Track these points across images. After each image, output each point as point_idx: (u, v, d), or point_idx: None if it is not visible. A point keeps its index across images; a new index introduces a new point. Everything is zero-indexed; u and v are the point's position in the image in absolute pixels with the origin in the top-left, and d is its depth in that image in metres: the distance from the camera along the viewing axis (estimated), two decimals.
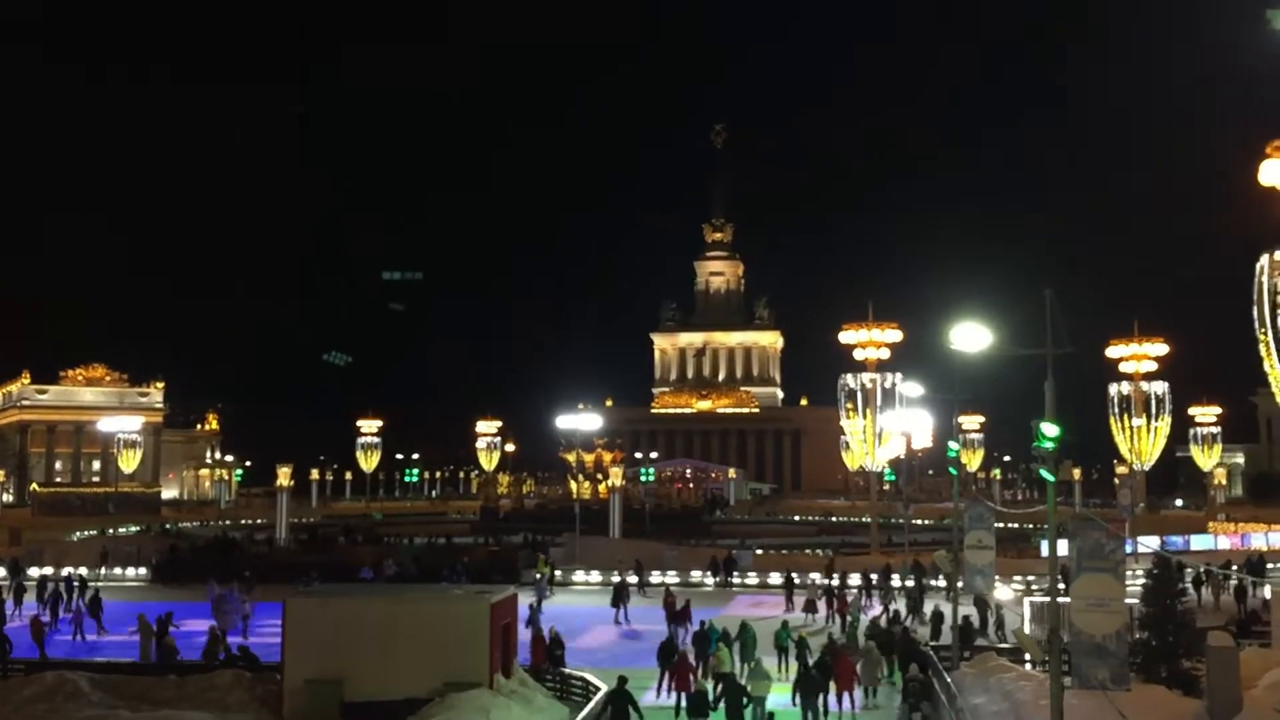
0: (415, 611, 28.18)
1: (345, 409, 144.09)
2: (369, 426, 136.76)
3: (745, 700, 26.56)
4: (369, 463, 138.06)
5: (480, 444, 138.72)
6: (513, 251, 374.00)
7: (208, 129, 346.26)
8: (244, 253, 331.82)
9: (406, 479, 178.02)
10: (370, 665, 26.33)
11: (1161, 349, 79.50)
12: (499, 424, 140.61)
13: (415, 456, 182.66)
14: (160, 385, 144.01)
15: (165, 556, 65.11)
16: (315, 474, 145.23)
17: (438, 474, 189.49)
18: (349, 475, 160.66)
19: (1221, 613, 43.44)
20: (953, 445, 49.04)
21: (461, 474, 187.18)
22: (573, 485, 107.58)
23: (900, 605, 47.07)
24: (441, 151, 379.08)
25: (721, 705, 26.45)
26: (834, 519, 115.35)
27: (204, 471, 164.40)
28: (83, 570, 57.58)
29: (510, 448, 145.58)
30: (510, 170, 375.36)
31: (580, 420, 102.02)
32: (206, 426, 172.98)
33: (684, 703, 28.21)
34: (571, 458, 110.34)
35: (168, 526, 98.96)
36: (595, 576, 59.05)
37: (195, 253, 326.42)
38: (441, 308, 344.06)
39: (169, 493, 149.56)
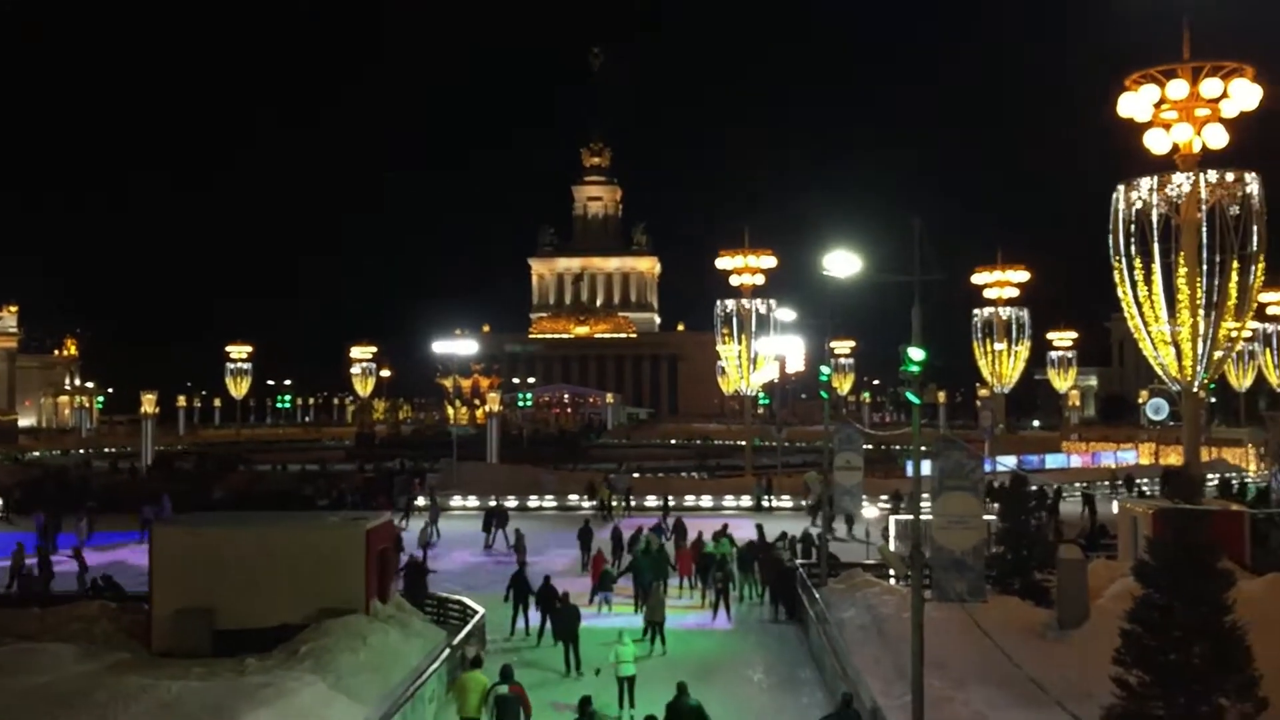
0: (289, 539, 27.77)
1: (214, 334, 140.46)
2: (238, 352, 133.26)
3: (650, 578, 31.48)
4: (239, 389, 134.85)
5: (355, 370, 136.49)
6: (388, 174, 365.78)
7: None
8: (99, 168, 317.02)
9: (279, 405, 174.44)
10: (243, 593, 25.92)
11: (1023, 276, 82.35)
12: (374, 349, 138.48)
13: (288, 383, 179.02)
14: (14, 309, 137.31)
15: (16, 487, 62.73)
16: (182, 401, 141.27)
17: (311, 400, 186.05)
18: (218, 402, 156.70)
19: (1072, 527, 45.62)
20: (824, 369, 50.21)
21: (336, 400, 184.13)
22: (450, 411, 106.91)
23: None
24: (320, 73, 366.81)
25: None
26: (710, 442, 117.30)
27: (63, 398, 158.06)
28: None
29: (386, 373, 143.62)
30: (384, 93, 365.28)
31: (457, 346, 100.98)
32: (65, 352, 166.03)
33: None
34: (448, 383, 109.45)
35: (21, 457, 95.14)
36: (473, 501, 59.10)
37: (48, 166, 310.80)
38: (315, 232, 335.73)
39: (26, 421, 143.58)
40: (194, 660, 23.84)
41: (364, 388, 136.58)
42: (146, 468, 76.58)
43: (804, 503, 55.34)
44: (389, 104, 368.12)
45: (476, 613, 28.45)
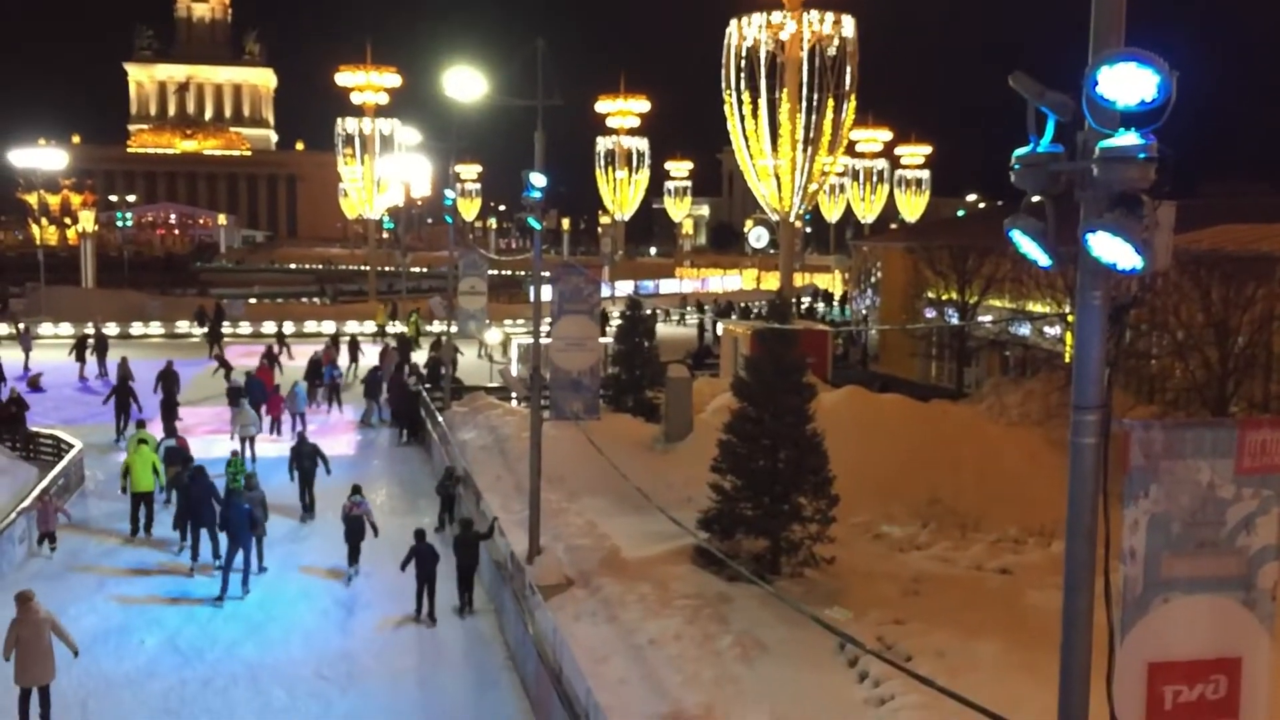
0: None
1: None
2: None
3: None
4: None
5: None
6: None
7: None
8: None
9: None
10: None
11: (644, 106, 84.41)
12: None
13: None
14: None
15: None
16: None
17: None
18: None
19: (683, 347, 48.54)
20: (449, 194, 49.66)
21: None
22: (35, 230, 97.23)
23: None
24: None
25: None
26: (333, 267, 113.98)
27: None
28: None
29: None
30: None
31: (42, 157, 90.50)
32: None
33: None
34: (32, 199, 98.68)
35: None
36: (66, 329, 54.31)
37: None
38: None
39: None
40: None
41: None
42: None
43: (430, 327, 55.34)
44: None
45: (72, 447, 26.47)
